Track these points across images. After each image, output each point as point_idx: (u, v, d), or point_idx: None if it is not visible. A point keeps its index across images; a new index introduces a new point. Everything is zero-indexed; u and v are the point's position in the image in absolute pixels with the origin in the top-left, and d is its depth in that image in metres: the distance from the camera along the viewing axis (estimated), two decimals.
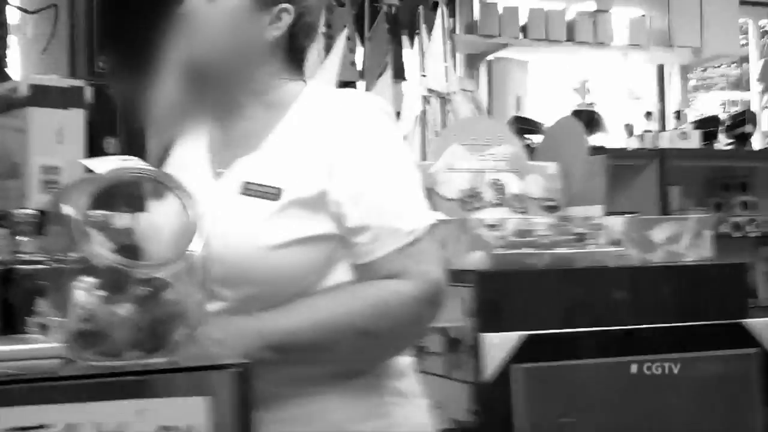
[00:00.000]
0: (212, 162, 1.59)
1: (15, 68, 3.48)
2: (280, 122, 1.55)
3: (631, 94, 5.98)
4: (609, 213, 2.48)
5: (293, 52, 1.61)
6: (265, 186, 1.49)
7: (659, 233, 2.35)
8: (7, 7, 3.38)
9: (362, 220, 1.48)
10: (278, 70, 1.59)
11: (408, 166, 1.56)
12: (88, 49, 3.41)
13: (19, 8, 3.42)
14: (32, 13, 3.45)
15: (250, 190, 1.50)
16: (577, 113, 4.90)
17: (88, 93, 1.46)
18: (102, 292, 1.09)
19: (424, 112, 3.60)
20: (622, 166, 4.40)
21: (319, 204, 1.48)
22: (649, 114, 5.68)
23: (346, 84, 4.12)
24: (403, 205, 1.52)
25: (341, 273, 1.51)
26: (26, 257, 1.20)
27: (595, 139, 4.96)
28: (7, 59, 3.32)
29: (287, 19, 1.57)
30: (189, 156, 1.62)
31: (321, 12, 1.65)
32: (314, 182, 1.48)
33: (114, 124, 1.49)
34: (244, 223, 1.48)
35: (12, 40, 3.44)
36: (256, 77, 1.57)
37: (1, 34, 3.28)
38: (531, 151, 2.79)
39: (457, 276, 1.97)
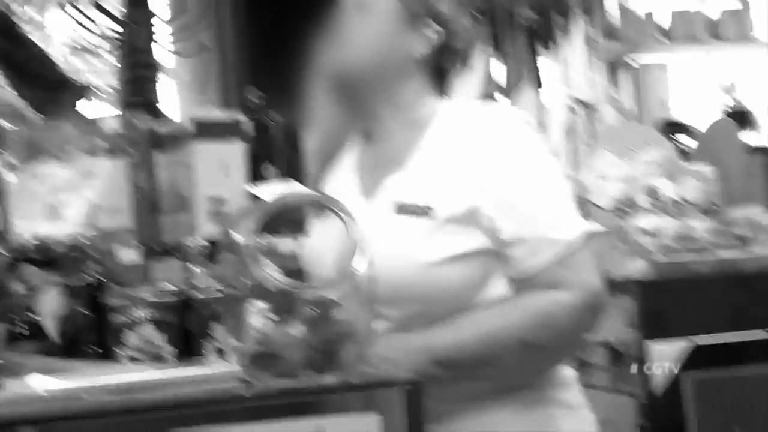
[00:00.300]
0: (361, 183, 1.61)
1: (174, 110, 3.64)
2: (423, 139, 1.57)
3: None
4: None
5: (437, 73, 1.62)
6: (417, 205, 1.51)
7: None
8: (162, 51, 3.55)
9: (517, 233, 1.48)
10: (422, 88, 1.61)
11: (557, 175, 1.56)
12: (240, 85, 3.53)
13: (173, 52, 3.58)
14: (185, 56, 3.61)
15: (404, 209, 1.52)
16: (730, 113, 4.74)
17: (248, 125, 1.52)
18: (274, 315, 1.12)
19: (570, 122, 3.55)
20: None
21: (471, 219, 1.48)
22: None
23: (487, 98, 4.11)
24: (556, 215, 1.51)
25: (498, 287, 1.51)
26: (200, 286, 1.25)
27: (750, 139, 4.77)
28: (158, 98, 3.48)
29: (433, 39, 1.59)
30: (339, 178, 1.65)
31: (469, 39, 1.66)
32: (465, 198, 1.49)
33: (272, 153, 1.54)
34: (400, 243, 1.50)
35: (168, 83, 3.61)
36: (400, 93, 1.60)
37: (151, 75, 3.43)
38: (685, 154, 2.72)
39: (617, 286, 1.93)
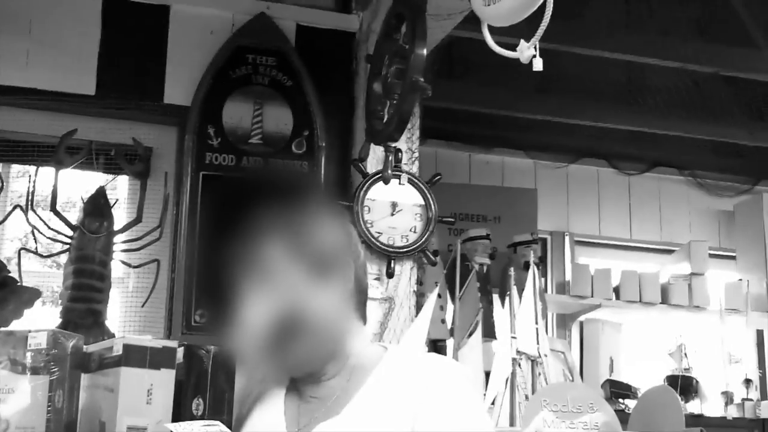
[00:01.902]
0: (290, 425, 1.58)
1: (114, 321, 3.60)
2: (362, 387, 1.56)
3: (730, 359, 5.80)
4: None
5: (360, 305, 1.63)
6: None
7: None
8: (113, 261, 3.55)
9: None
10: (356, 329, 1.61)
11: None
12: (186, 303, 3.52)
13: (123, 262, 3.59)
14: (135, 267, 3.61)
15: None
16: (673, 378, 4.77)
17: (180, 354, 1.49)
18: None
19: (513, 374, 3.55)
20: None
21: None
22: (748, 381, 5.48)
23: (435, 342, 4.11)
24: None
25: None
26: None
27: (692, 407, 4.78)
28: (102, 309, 3.45)
29: (351, 273, 1.60)
30: (266, 418, 1.62)
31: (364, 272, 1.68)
32: None
33: (201, 384, 1.51)
34: None
35: (115, 294, 3.58)
36: (339, 339, 1.59)
37: (97, 285, 3.42)
38: (624, 418, 2.71)
39: None
